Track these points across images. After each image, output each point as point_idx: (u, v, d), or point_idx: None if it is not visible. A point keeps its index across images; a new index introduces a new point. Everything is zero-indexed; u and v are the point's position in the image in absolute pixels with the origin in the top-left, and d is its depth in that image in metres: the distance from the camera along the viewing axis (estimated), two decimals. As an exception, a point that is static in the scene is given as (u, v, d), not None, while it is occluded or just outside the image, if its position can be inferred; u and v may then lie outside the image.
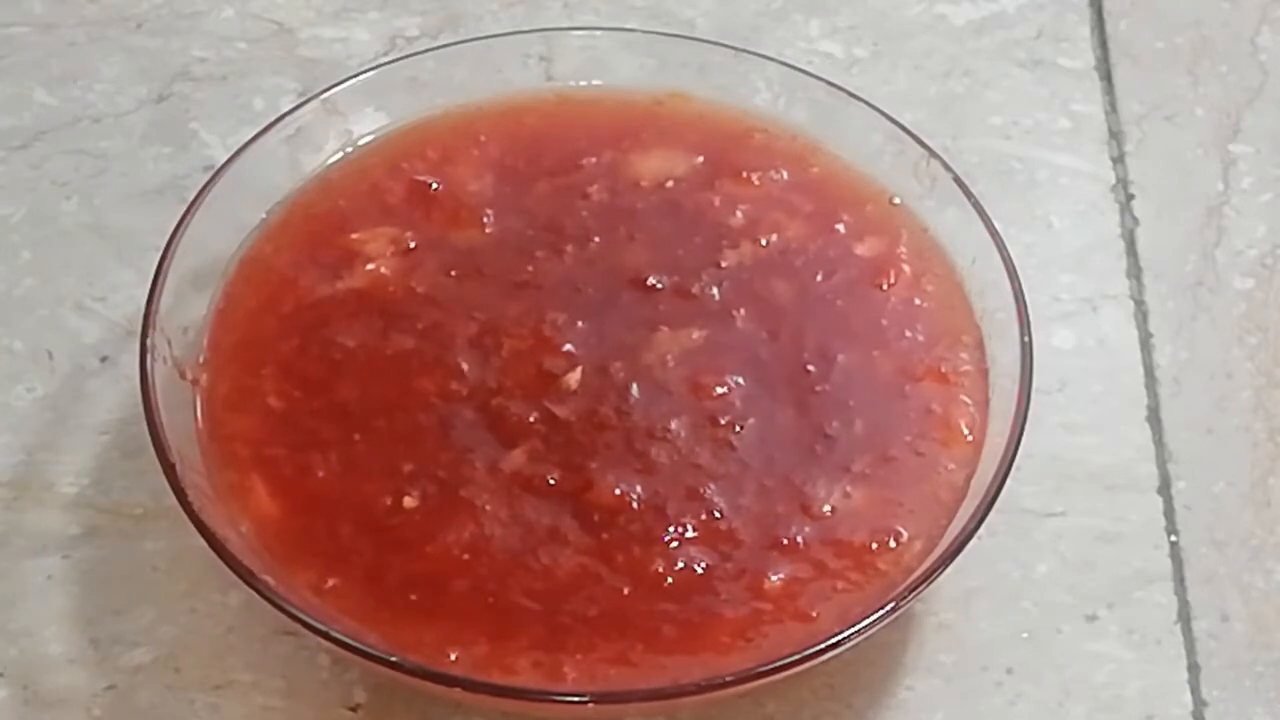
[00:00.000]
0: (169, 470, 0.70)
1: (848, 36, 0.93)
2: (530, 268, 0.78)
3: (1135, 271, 0.85)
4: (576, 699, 0.68)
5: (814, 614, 0.69)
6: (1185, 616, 0.75)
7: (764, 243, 0.79)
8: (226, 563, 0.68)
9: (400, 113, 0.82)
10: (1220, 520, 0.78)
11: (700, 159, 0.81)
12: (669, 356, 0.75)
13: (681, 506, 0.71)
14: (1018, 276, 0.75)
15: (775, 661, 0.67)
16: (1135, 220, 0.87)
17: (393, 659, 0.67)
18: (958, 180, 0.78)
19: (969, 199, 0.77)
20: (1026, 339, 0.74)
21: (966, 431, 0.73)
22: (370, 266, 0.78)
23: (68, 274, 0.84)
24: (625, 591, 0.69)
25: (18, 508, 0.78)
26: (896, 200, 0.80)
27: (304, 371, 0.75)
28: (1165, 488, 0.78)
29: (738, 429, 0.73)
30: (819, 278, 0.78)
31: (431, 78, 0.82)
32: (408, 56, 0.84)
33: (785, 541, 0.71)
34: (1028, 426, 0.72)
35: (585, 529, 0.71)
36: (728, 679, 0.67)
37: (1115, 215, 0.87)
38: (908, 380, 0.75)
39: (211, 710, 0.72)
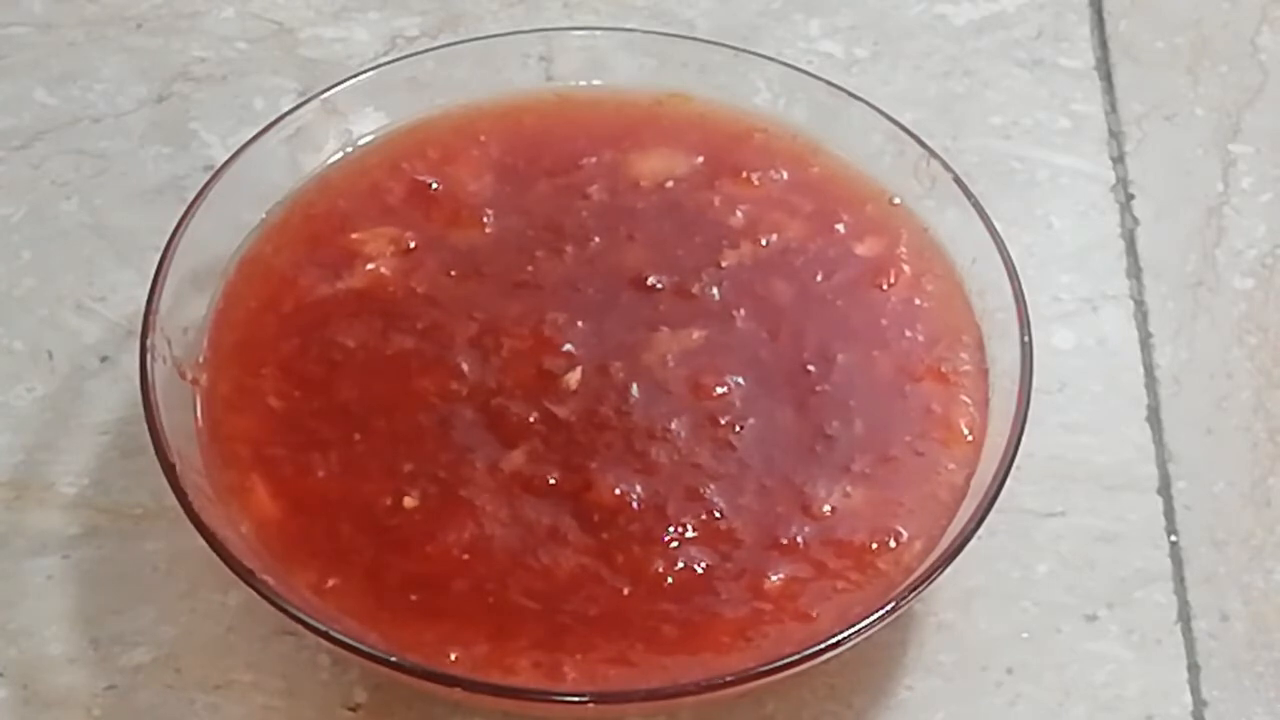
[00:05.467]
0: (169, 470, 0.70)
1: (848, 36, 0.93)
2: (530, 268, 0.78)
3: (1135, 271, 0.85)
4: (576, 699, 0.68)
5: (814, 614, 0.69)
6: (1185, 616, 0.75)
7: (764, 243, 0.79)
8: (226, 563, 0.68)
9: (400, 113, 0.82)
10: (1220, 520, 0.78)
11: (700, 159, 0.81)
12: (669, 356, 0.75)
13: (681, 506, 0.71)
14: (1018, 276, 0.75)
15: (775, 661, 0.67)
16: (1135, 220, 0.87)
17: (393, 659, 0.67)
18: (958, 180, 0.78)
19: (969, 199, 0.77)
20: (1026, 339, 0.74)
21: (966, 431, 0.73)
22: (370, 266, 0.78)
23: (68, 274, 0.84)
24: (625, 591, 0.69)
25: (18, 508, 0.78)
26: (896, 200, 0.80)
27: (304, 371, 0.75)
28: (1165, 488, 0.78)
29: (738, 429, 0.73)
30: (819, 278, 0.78)
31: (431, 78, 0.82)
32: (408, 56, 0.84)
33: (785, 541, 0.71)
34: (1028, 426, 0.72)
35: (585, 529, 0.71)
36: (728, 679, 0.67)
37: (1115, 215, 0.87)
38: (908, 380, 0.75)
39: (211, 710, 0.72)
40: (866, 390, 0.75)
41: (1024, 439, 0.71)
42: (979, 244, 0.77)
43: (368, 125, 0.82)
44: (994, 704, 0.73)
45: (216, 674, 0.73)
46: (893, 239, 0.79)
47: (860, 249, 0.79)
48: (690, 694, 0.67)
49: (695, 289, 0.77)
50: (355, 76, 0.82)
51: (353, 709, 0.72)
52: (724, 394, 0.74)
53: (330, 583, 0.70)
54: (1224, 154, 0.89)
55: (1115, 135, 0.90)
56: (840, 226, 0.79)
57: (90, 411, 0.80)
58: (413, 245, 0.78)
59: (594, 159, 0.81)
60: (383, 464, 0.72)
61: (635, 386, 0.74)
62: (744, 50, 0.83)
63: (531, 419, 0.73)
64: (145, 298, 0.74)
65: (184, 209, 0.77)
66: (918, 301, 0.77)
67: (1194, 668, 0.74)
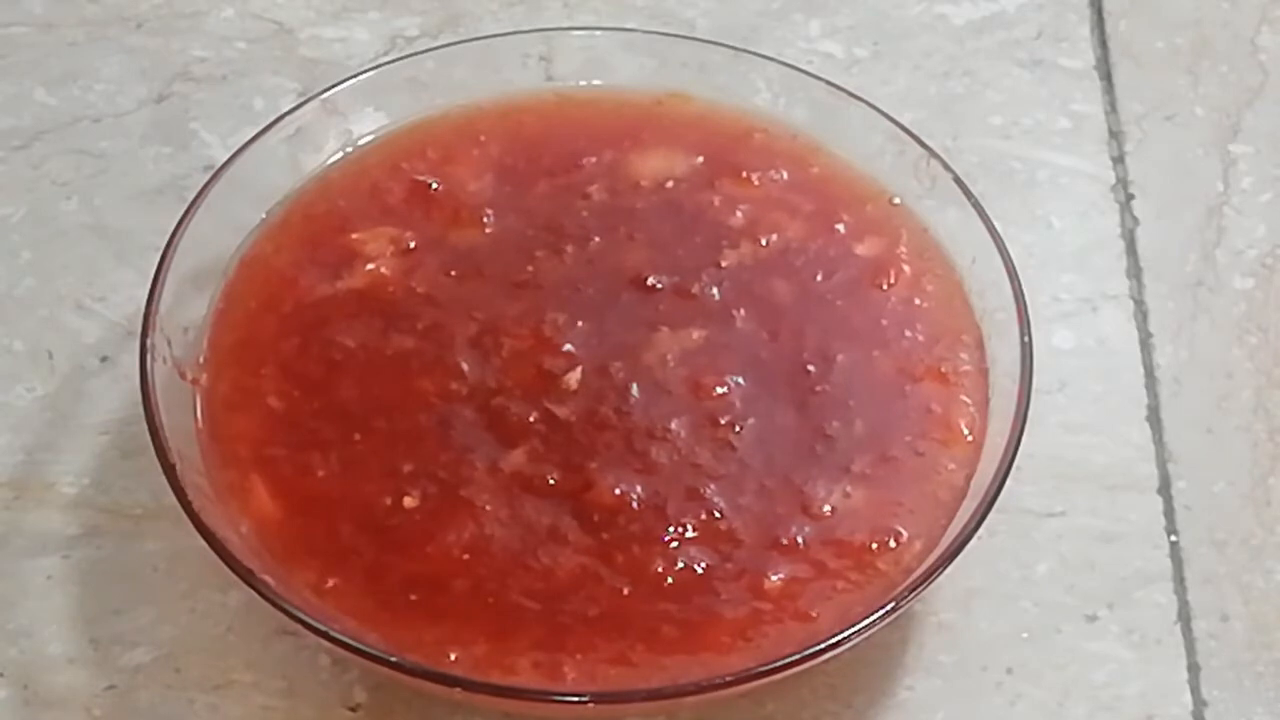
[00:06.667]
0: (169, 470, 0.70)
1: (848, 36, 0.93)
2: (530, 268, 0.78)
3: (1135, 271, 0.85)
4: (576, 699, 0.68)
5: (814, 614, 0.69)
6: (1185, 616, 0.75)
7: (764, 243, 0.79)
8: (226, 563, 0.68)
9: (400, 113, 0.82)
10: (1220, 520, 0.78)
11: (700, 159, 0.81)
12: (669, 356, 0.75)
13: (681, 506, 0.71)
14: (1018, 276, 0.75)
15: (775, 661, 0.67)
16: (1135, 220, 0.87)
17: (393, 659, 0.67)
18: (958, 180, 0.78)
19: (969, 199, 0.77)
20: (1026, 339, 0.74)
21: (966, 431, 0.73)
22: (370, 266, 0.78)
23: (68, 274, 0.84)
24: (625, 591, 0.69)
25: (18, 508, 0.78)
26: (896, 200, 0.80)
27: (304, 371, 0.75)
28: (1165, 488, 0.78)
29: (738, 429, 0.73)
30: (819, 278, 0.78)
31: (431, 78, 0.82)
32: (408, 56, 0.84)
33: (785, 541, 0.71)
34: (1028, 426, 0.72)
35: (585, 529, 0.71)
36: (728, 679, 0.67)
37: (1115, 215, 0.87)
38: (908, 380, 0.75)
39: (211, 710, 0.72)
40: (866, 390, 0.75)
41: (1024, 439, 0.71)
42: (979, 244, 0.77)
43: (368, 125, 0.82)
44: (994, 704, 0.73)
45: (216, 674, 0.73)
46: (893, 239, 0.79)
47: (860, 249, 0.79)
48: (690, 694, 0.67)
49: (695, 289, 0.77)
50: (355, 76, 0.82)
51: (353, 709, 0.72)
52: (724, 394, 0.74)
53: (330, 583, 0.70)
54: (1224, 154, 0.89)
55: (1115, 135, 0.90)
56: (840, 226, 0.79)
57: (90, 411, 0.80)
58: (413, 245, 0.78)
59: (594, 159, 0.81)
60: (383, 464, 0.72)
61: (635, 386, 0.74)
62: (744, 50, 0.83)
63: (531, 419, 0.73)
64: (145, 298, 0.74)
65: (184, 209, 0.77)
66: (918, 301, 0.77)
67: (1194, 668, 0.74)
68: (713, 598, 0.70)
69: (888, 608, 0.68)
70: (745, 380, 0.75)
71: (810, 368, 0.75)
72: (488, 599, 0.69)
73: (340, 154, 0.81)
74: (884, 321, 0.77)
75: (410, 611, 0.69)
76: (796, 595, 0.70)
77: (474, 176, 0.81)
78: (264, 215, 0.79)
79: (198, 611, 0.75)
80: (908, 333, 0.76)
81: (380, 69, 0.83)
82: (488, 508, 0.71)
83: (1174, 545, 0.77)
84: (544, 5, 0.94)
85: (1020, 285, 0.75)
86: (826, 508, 0.71)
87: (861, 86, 0.84)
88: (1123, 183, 0.88)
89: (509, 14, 0.93)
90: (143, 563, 0.76)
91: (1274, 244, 0.86)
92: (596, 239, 0.79)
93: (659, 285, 0.77)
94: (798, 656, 0.67)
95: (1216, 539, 0.77)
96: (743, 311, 0.77)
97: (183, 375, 0.74)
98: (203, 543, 0.69)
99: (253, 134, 0.79)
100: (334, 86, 0.81)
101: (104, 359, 0.82)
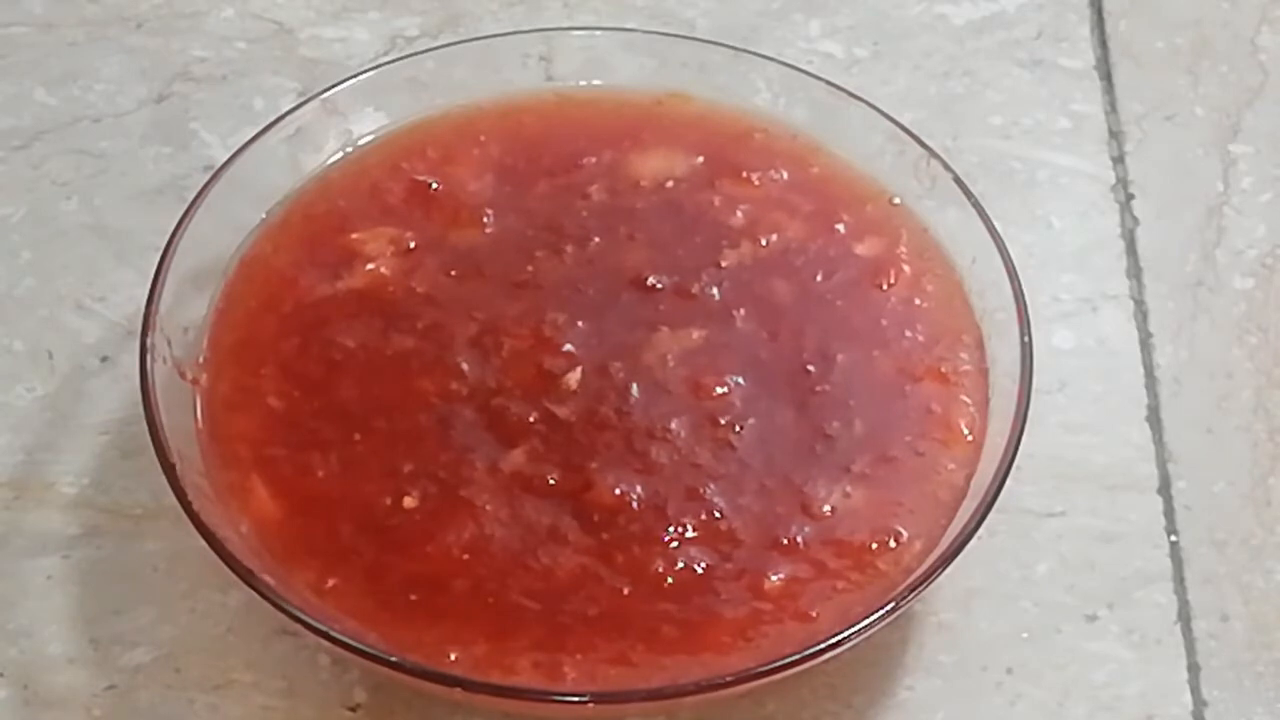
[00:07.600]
0: (169, 470, 0.70)
1: (848, 36, 0.93)
2: (530, 268, 0.78)
3: (1135, 271, 0.85)
4: (576, 699, 0.68)
5: (814, 614, 0.69)
6: (1185, 616, 0.75)
7: (764, 243, 0.79)
8: (226, 563, 0.68)
9: (400, 113, 0.82)
10: (1220, 520, 0.78)
11: (700, 159, 0.81)
12: (669, 356, 0.75)
13: (681, 506, 0.71)
14: (1018, 276, 0.75)
15: (775, 661, 0.67)
16: (1135, 220, 0.87)
17: (393, 659, 0.67)
18: (958, 180, 0.78)
19: (969, 199, 0.77)
20: (1026, 339, 0.74)
21: (966, 431, 0.73)
22: (370, 266, 0.78)
23: (68, 274, 0.84)
24: (625, 591, 0.69)
25: (18, 508, 0.78)
26: (896, 200, 0.80)
27: (304, 371, 0.75)
28: (1165, 488, 0.78)
29: (738, 429, 0.73)
30: (819, 278, 0.78)
31: (431, 78, 0.82)
32: (408, 56, 0.84)
33: (785, 541, 0.71)
34: (1028, 426, 0.72)
35: (585, 529, 0.71)
36: (728, 679, 0.67)
37: (1115, 215, 0.87)
38: (908, 380, 0.75)
39: (211, 710, 0.72)
40: (866, 390, 0.75)
41: (1024, 439, 0.71)
42: (979, 244, 0.77)
43: (368, 125, 0.82)
44: (994, 704, 0.73)
45: (216, 674, 0.73)
46: (893, 239, 0.79)
47: (860, 249, 0.79)
48: (690, 694, 0.67)
49: (695, 289, 0.77)
50: (355, 76, 0.82)
51: (353, 709, 0.72)
52: (724, 394, 0.74)
53: (330, 583, 0.70)
54: (1224, 154, 0.89)
55: (1115, 135, 0.90)
56: (840, 226, 0.79)
57: (90, 411, 0.80)
58: (413, 245, 0.78)
59: (594, 159, 0.81)
60: (383, 464, 0.72)
61: (635, 386, 0.74)
62: (744, 50, 0.83)
63: (531, 419, 0.73)
64: (145, 298, 0.74)
65: (184, 209, 0.77)
66: (918, 301, 0.77)
67: (1194, 668, 0.74)
68: (713, 598, 0.70)
69: (888, 608, 0.68)
70: (745, 380, 0.75)
71: (810, 368, 0.75)
72: (488, 599, 0.69)
73: (340, 154, 0.81)
74: (884, 321, 0.77)
75: (410, 611, 0.69)
76: (796, 595, 0.70)
77: (474, 176, 0.81)
78: (264, 215, 0.79)
79: (198, 611, 0.75)
80: (908, 333, 0.76)
81: (380, 69, 0.83)
82: (488, 508, 0.71)
83: (1174, 545, 0.77)
84: (544, 5, 0.94)
85: (1020, 285, 0.75)
86: (826, 508, 0.71)
87: (861, 86, 0.84)
88: (1123, 183, 0.88)
89: (509, 14, 0.93)
90: (143, 563, 0.76)
91: (1274, 244, 0.86)
92: (596, 239, 0.79)
93: (659, 285, 0.77)
94: (798, 656, 0.67)
95: (1216, 539, 0.77)
96: (743, 311, 0.77)
97: (183, 375, 0.74)
98: (203, 543, 0.69)
99: (253, 134, 0.80)
100: (334, 86, 0.81)
101: (104, 359, 0.82)
